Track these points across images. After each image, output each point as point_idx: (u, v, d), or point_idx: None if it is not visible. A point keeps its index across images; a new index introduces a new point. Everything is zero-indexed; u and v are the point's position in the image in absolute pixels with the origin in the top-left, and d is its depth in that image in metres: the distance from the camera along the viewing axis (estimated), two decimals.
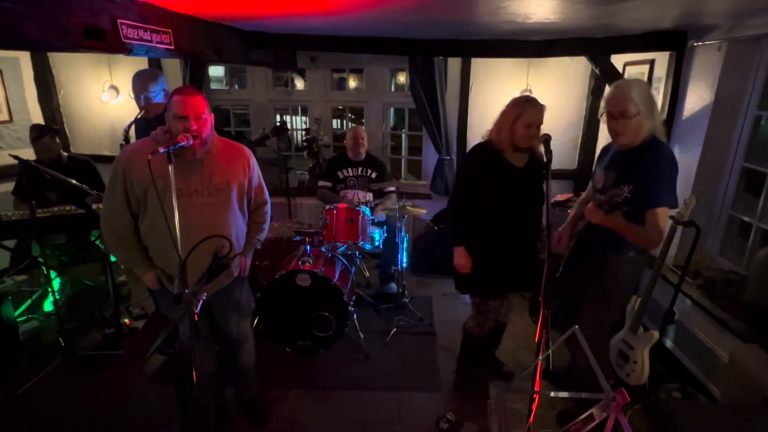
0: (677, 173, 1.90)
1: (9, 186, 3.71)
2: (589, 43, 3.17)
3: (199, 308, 1.48)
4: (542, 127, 2.14)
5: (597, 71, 3.51)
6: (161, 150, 1.61)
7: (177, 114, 1.75)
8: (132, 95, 2.67)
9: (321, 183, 3.75)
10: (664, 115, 2.96)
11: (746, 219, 2.58)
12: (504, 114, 2.19)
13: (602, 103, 2.01)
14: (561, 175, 4.16)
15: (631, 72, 3.46)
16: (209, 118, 1.82)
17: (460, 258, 2.32)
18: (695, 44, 2.73)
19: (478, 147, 2.30)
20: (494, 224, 2.28)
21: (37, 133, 3.04)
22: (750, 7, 2.06)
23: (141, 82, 2.59)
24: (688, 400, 2.41)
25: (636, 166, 1.89)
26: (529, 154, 2.27)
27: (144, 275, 1.94)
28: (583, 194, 2.40)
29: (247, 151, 2.04)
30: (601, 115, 2.02)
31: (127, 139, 2.58)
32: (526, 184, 2.25)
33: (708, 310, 2.45)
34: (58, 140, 3.14)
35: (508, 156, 2.22)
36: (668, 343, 2.80)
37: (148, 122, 2.66)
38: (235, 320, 2.17)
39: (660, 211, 1.86)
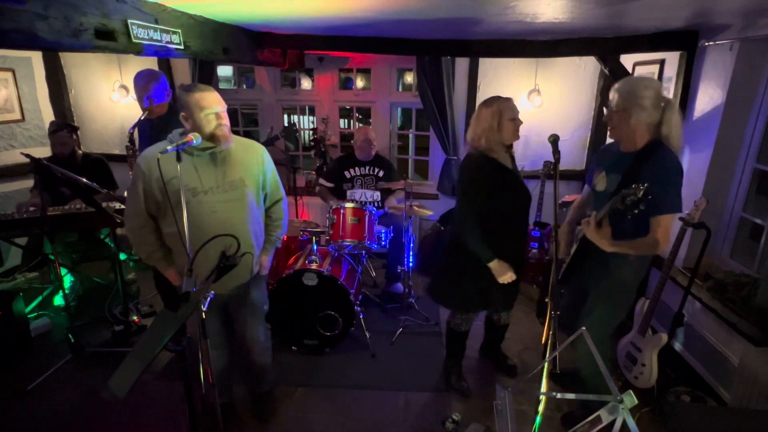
0: (682, 179, 1.83)
1: (22, 184, 3.77)
2: (598, 42, 3.15)
3: (206, 306, 1.50)
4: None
5: (606, 71, 3.48)
6: (170, 149, 1.63)
7: (209, 109, 1.79)
8: (134, 97, 2.69)
9: (321, 181, 3.77)
10: None
11: (758, 221, 2.54)
12: (484, 120, 2.16)
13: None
14: (569, 175, 4.13)
15: (640, 72, 3.43)
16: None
17: (503, 269, 2.21)
18: (706, 44, 2.70)
19: (477, 157, 2.22)
20: (500, 232, 2.24)
21: (55, 127, 3.09)
22: (763, 6, 2.03)
23: (143, 83, 2.61)
24: (697, 403, 2.39)
25: (640, 171, 1.82)
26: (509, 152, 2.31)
27: (166, 271, 2.01)
28: (580, 197, 2.33)
29: (261, 146, 2.06)
30: (605, 108, 2.00)
31: (132, 140, 2.60)
32: (519, 184, 2.29)
33: (718, 313, 2.42)
34: (74, 137, 3.18)
35: (502, 160, 2.23)
36: (677, 346, 2.78)
37: (151, 123, 2.69)
38: (251, 317, 2.19)
39: (668, 218, 1.81)
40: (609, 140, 2.22)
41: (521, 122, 2.21)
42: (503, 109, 2.14)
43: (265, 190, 2.07)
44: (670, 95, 3.01)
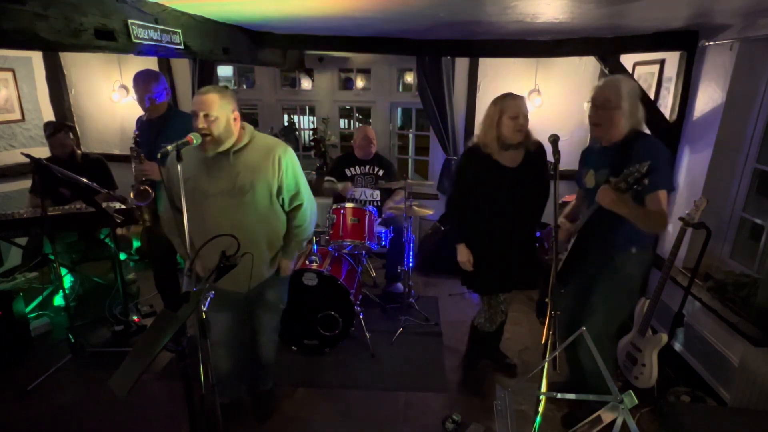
0: (670, 156, 1.95)
1: (22, 183, 3.76)
2: (598, 42, 3.15)
3: (206, 306, 1.50)
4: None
5: (606, 71, 3.47)
6: (169, 148, 1.63)
7: (191, 111, 1.82)
8: (135, 97, 2.69)
9: (327, 178, 3.77)
10: (675, 116, 2.93)
11: (758, 221, 2.54)
12: (487, 116, 2.23)
13: (590, 93, 2.00)
14: (569, 175, 4.09)
15: (641, 72, 3.43)
16: (223, 115, 1.80)
17: (462, 255, 2.38)
18: (706, 44, 2.70)
19: (470, 150, 2.34)
20: (490, 223, 2.32)
21: (53, 129, 3.09)
22: (763, 6, 2.03)
23: (143, 83, 2.60)
24: (697, 403, 2.39)
25: (629, 157, 1.87)
26: (525, 151, 2.27)
27: (195, 264, 2.01)
28: (575, 199, 2.37)
29: (281, 150, 1.95)
30: (587, 104, 2.01)
31: (137, 142, 2.60)
32: (520, 183, 2.26)
33: (718, 313, 2.42)
34: (72, 137, 3.18)
35: (497, 157, 2.24)
36: (677, 346, 2.78)
37: (150, 123, 2.68)
38: (264, 310, 2.22)
39: (662, 194, 1.86)
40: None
41: (525, 121, 2.16)
42: (505, 107, 2.16)
43: (282, 196, 2.00)
44: (670, 95, 3.01)
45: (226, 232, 1.63)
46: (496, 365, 2.84)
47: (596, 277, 2.11)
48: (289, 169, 1.97)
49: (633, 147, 1.89)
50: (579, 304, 2.18)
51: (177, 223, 1.95)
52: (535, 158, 2.29)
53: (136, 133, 2.64)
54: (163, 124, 2.66)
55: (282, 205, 2.04)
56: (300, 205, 2.06)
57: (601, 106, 1.93)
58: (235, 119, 1.86)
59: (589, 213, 1.98)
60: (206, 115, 1.77)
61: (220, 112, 1.80)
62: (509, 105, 2.16)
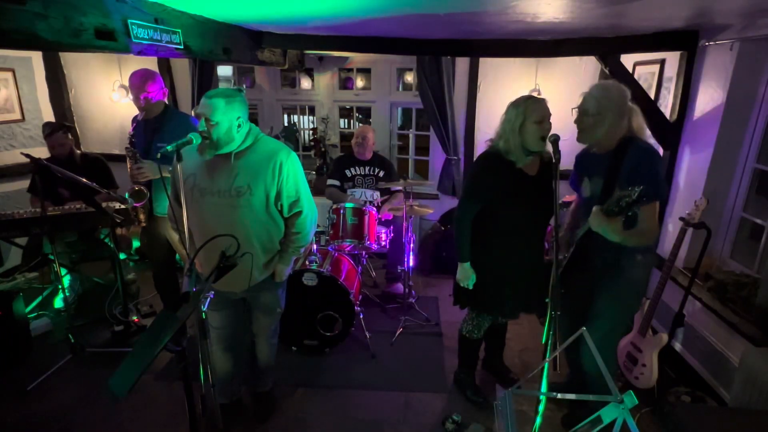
0: (661, 165, 1.90)
1: (22, 184, 3.77)
2: (598, 42, 3.14)
3: (206, 306, 1.50)
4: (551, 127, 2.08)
5: (606, 71, 3.47)
6: (169, 148, 1.64)
7: (195, 112, 1.85)
8: (131, 96, 2.68)
9: (329, 182, 3.76)
10: (675, 116, 2.93)
11: (758, 221, 2.54)
12: (507, 121, 2.05)
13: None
14: (569, 175, 4.13)
15: (641, 72, 3.43)
16: (225, 121, 1.79)
17: (465, 274, 2.23)
18: (707, 44, 2.70)
19: (490, 156, 2.13)
20: (509, 238, 2.18)
21: (51, 129, 3.09)
22: (763, 6, 2.03)
23: (138, 82, 2.59)
24: (697, 403, 2.39)
25: (620, 167, 1.87)
26: (540, 158, 2.18)
27: (197, 263, 2.03)
28: (574, 204, 2.34)
29: (283, 155, 1.92)
30: (574, 109, 2.00)
31: (132, 143, 2.59)
32: (540, 194, 2.14)
33: (718, 313, 2.42)
34: (70, 136, 3.19)
35: (521, 165, 2.09)
36: (677, 347, 2.78)
37: (147, 122, 2.67)
38: (262, 314, 2.22)
39: (653, 206, 1.85)
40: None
41: (550, 126, 2.03)
42: (529, 110, 1.99)
43: (281, 201, 1.96)
44: (670, 95, 3.01)
45: (221, 233, 1.63)
46: (499, 380, 2.70)
47: (600, 280, 2.07)
48: (291, 175, 1.94)
49: (624, 157, 1.88)
50: (581, 307, 2.16)
51: (177, 221, 1.96)
52: (548, 167, 2.19)
53: (131, 133, 2.64)
54: (159, 124, 2.65)
55: (281, 211, 2.00)
56: (299, 213, 2.02)
57: (583, 113, 1.94)
58: (239, 125, 1.84)
59: (583, 232, 1.95)
60: (207, 119, 1.77)
61: (222, 118, 1.78)
62: (535, 108, 1.99)
